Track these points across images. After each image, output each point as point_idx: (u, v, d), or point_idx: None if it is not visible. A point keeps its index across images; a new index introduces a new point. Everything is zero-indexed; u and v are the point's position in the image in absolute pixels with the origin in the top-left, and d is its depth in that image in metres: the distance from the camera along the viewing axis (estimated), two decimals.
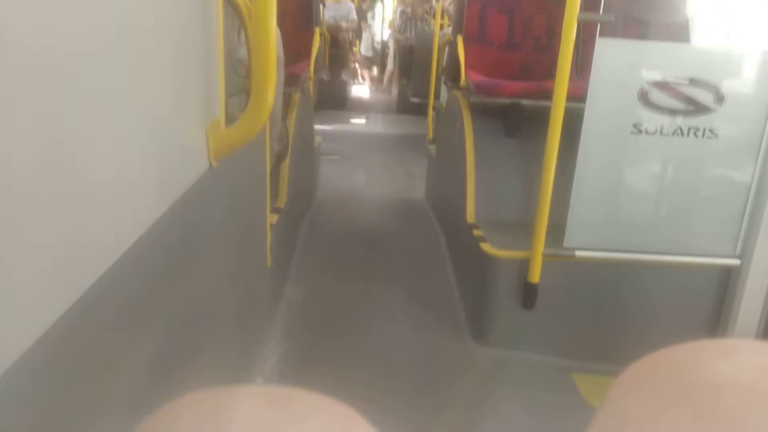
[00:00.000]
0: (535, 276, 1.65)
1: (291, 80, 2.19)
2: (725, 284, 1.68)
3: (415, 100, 5.59)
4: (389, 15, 10.51)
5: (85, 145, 0.48)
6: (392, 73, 7.34)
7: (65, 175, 0.44)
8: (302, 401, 0.23)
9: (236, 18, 1.18)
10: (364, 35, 8.87)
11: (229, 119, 1.00)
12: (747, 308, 1.64)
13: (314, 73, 2.58)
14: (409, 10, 6.68)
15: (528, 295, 1.68)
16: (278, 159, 1.99)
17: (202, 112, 0.87)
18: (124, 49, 0.56)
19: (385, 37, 9.78)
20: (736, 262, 1.64)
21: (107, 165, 0.53)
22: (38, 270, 0.41)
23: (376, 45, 9.29)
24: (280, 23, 0.92)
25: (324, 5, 3.26)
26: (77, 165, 0.46)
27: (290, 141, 2.10)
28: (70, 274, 0.46)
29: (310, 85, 2.63)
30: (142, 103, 0.62)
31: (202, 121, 0.86)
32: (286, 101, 2.20)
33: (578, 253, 1.62)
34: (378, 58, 9.44)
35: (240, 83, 1.22)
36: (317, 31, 2.57)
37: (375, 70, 9.42)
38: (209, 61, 0.91)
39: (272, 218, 1.69)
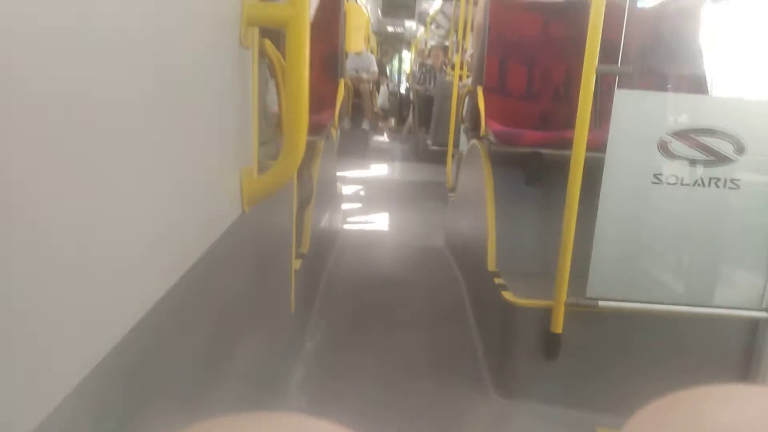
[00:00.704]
0: (558, 326, 1.63)
1: (317, 129, 2.26)
2: (752, 336, 1.64)
3: (434, 148, 5.68)
4: (407, 68, 10.78)
5: (126, 188, 0.50)
6: (411, 125, 7.50)
7: (103, 219, 0.46)
8: (316, 429, 0.24)
9: (268, 70, 1.24)
10: (382, 89, 9.12)
11: (260, 167, 1.04)
12: None
13: (338, 122, 2.65)
14: (429, 62, 6.89)
15: (550, 345, 1.66)
16: (303, 205, 2.03)
17: (237, 159, 0.91)
18: (166, 96, 0.59)
19: (403, 90, 10.04)
20: (764, 315, 1.60)
21: (149, 208, 0.55)
22: (74, 318, 0.42)
23: (390, 97, 9.53)
24: (308, 74, 0.97)
25: (347, 57, 3.38)
26: (121, 207, 0.49)
27: (314, 188, 2.14)
28: (107, 321, 0.47)
29: (335, 134, 2.70)
30: (182, 150, 0.65)
31: (236, 168, 0.90)
32: (310, 149, 2.26)
33: (601, 303, 1.60)
34: (396, 108, 9.66)
35: (270, 133, 1.27)
36: (342, 81, 2.66)
37: (392, 122, 9.62)
38: (244, 111, 0.95)
39: (296, 263, 1.71)
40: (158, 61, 0.57)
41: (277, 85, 1.24)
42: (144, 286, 0.54)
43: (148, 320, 0.53)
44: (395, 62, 14.52)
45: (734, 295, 1.63)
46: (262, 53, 1.11)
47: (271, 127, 1.29)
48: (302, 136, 0.96)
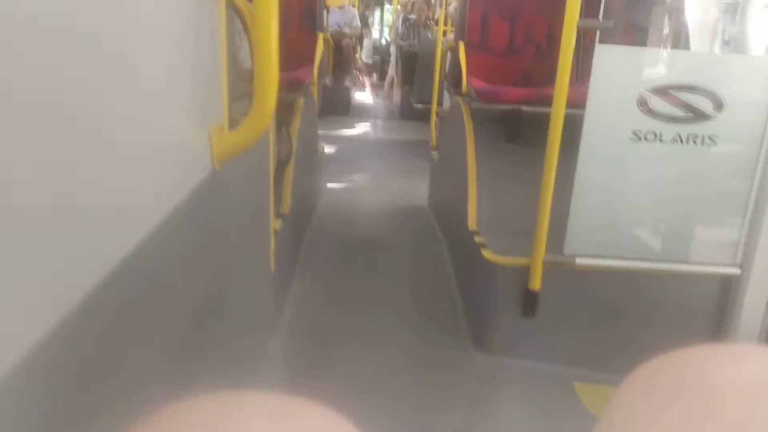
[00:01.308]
0: (536, 283, 1.66)
1: (294, 85, 2.21)
2: (726, 293, 1.68)
3: (418, 106, 5.62)
4: (389, 21, 10.54)
5: (87, 147, 0.49)
6: (393, 79, 7.38)
7: (67, 177, 0.45)
8: (295, 408, 0.23)
9: (239, 22, 1.20)
10: (365, 42, 8.93)
11: (233, 123, 1.01)
12: (748, 317, 1.64)
13: (318, 79, 2.59)
14: (412, 16, 6.72)
15: (528, 302, 1.69)
16: (282, 164, 2.00)
17: (205, 116, 0.88)
18: (127, 52, 0.57)
19: (385, 44, 9.83)
20: (737, 270, 1.64)
21: (110, 167, 0.54)
22: (39, 272, 0.41)
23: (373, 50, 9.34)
24: (284, 28, 0.93)
25: (328, 11, 3.28)
26: (80, 167, 0.47)
27: (294, 146, 2.12)
28: (71, 277, 0.46)
29: (314, 91, 2.65)
30: (145, 106, 0.63)
31: (205, 125, 0.88)
32: (289, 106, 2.22)
33: (578, 261, 1.62)
34: (378, 64, 9.49)
35: (243, 88, 1.24)
36: (321, 36, 2.59)
37: (375, 77, 9.46)
38: (213, 65, 0.92)
39: (276, 223, 1.70)
40: (118, 13, 0.54)
41: (249, 39, 1.20)
42: (108, 244, 0.53)
43: (113, 280, 0.52)
44: (377, 14, 14.14)
45: (709, 252, 1.66)
46: (231, 4, 1.07)
47: (244, 83, 1.25)
48: (273, 88, 0.93)
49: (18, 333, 0.39)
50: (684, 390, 0.23)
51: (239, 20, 1.19)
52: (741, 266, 1.63)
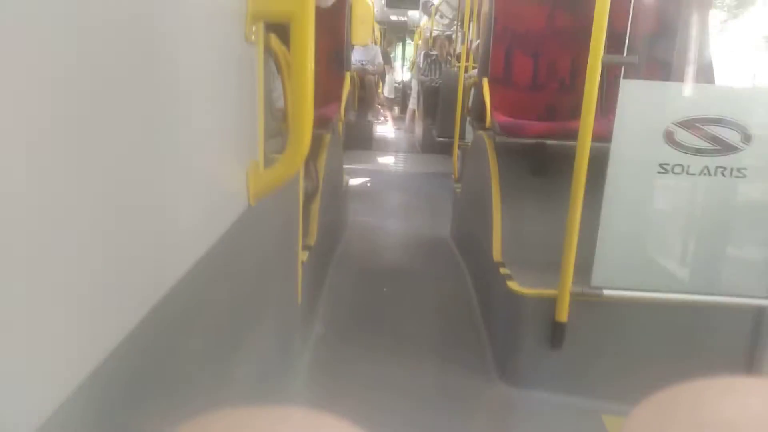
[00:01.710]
0: (563, 315, 1.64)
1: (323, 122, 2.26)
2: (758, 324, 1.64)
3: (440, 139, 5.67)
4: (410, 56, 10.72)
5: (135, 184, 0.51)
6: (414, 113, 7.48)
7: (117, 212, 0.47)
8: (320, 424, 0.24)
9: (274, 65, 1.25)
10: (387, 78, 9.10)
11: (267, 161, 1.05)
12: None
13: (344, 115, 2.65)
14: (434, 52, 6.85)
15: (556, 334, 1.67)
16: (309, 198, 2.04)
17: (243, 154, 0.92)
18: (172, 94, 0.60)
19: (406, 79, 10.01)
20: None
21: (155, 204, 0.56)
22: (89, 305, 0.43)
23: (396, 86, 9.51)
24: (314, 68, 0.97)
25: (352, 50, 3.37)
26: (128, 202, 0.49)
27: (321, 180, 2.16)
28: (115, 315, 0.48)
29: (340, 127, 2.71)
30: (188, 146, 0.66)
31: (243, 162, 0.91)
32: (316, 142, 2.27)
33: (606, 293, 1.61)
34: (399, 98, 9.65)
35: (276, 127, 1.28)
36: (347, 75, 2.66)
37: (396, 111, 9.61)
38: (250, 106, 0.96)
39: (303, 255, 1.72)
40: (165, 57, 0.57)
41: (282, 80, 1.25)
42: (151, 281, 0.55)
43: (154, 315, 0.54)
44: (398, 50, 14.43)
45: (739, 284, 1.63)
46: (268, 48, 1.12)
47: (278, 122, 1.30)
48: (307, 129, 0.97)
49: (72, 361, 0.40)
50: (687, 423, 0.23)
51: (273, 62, 1.24)
52: None
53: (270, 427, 0.23)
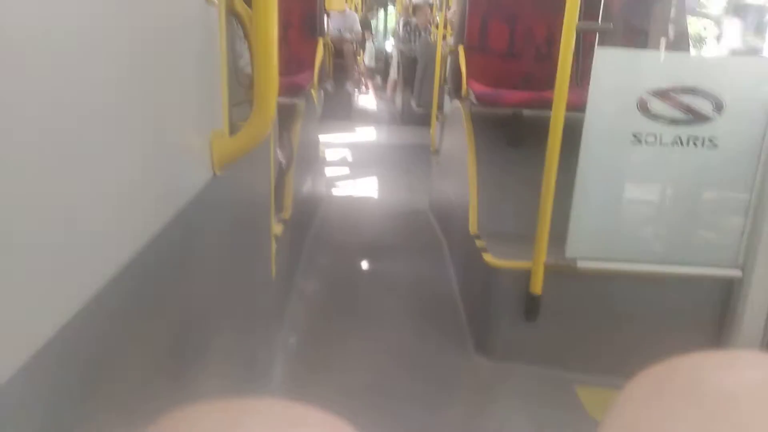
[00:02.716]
0: (537, 287, 1.65)
1: (295, 90, 2.22)
2: (728, 295, 1.68)
3: (419, 110, 5.63)
4: (392, 26, 10.58)
5: (88, 152, 0.49)
6: (395, 83, 7.40)
7: (66, 181, 0.45)
8: (297, 414, 0.24)
9: (239, 28, 1.20)
10: (368, 45, 8.96)
11: (234, 129, 1.02)
12: (750, 319, 1.64)
13: (319, 84, 2.60)
14: (413, 20, 6.74)
15: (530, 306, 1.69)
16: (283, 169, 2.01)
17: (206, 121, 0.88)
18: (128, 58, 0.57)
19: (388, 48, 9.88)
20: (738, 272, 1.63)
21: (111, 172, 0.54)
22: (38, 278, 0.41)
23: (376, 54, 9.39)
24: (284, 33, 0.94)
25: (329, 16, 3.30)
26: (79, 170, 0.47)
27: (295, 151, 2.12)
28: (71, 283, 0.46)
29: (314, 95, 2.66)
30: (146, 112, 0.63)
31: (206, 130, 0.88)
32: (290, 111, 2.23)
33: (580, 264, 1.62)
34: (381, 67, 9.53)
35: (244, 93, 1.24)
36: (321, 41, 2.60)
37: (378, 80, 9.50)
38: (213, 71, 0.92)
39: (277, 229, 1.70)
40: (118, 20, 0.54)
41: (249, 45, 1.21)
42: (109, 250, 0.53)
43: (115, 284, 0.52)
44: (380, 18, 14.20)
45: (711, 254, 1.66)
46: (232, 11, 1.07)
47: (245, 88, 1.26)
48: (272, 94, 0.94)
49: (20, 336, 0.39)
50: (686, 396, 0.23)
51: (240, 26, 1.20)
52: (743, 268, 1.63)
53: (249, 420, 0.23)
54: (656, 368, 0.25)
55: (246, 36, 1.23)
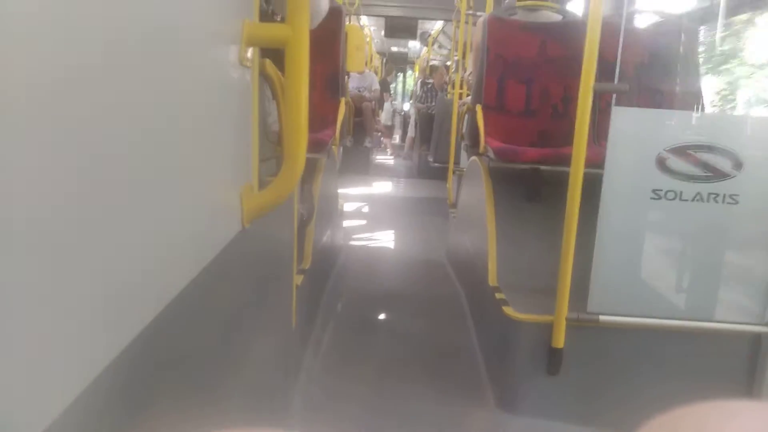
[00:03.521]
0: (560, 341, 1.63)
1: (318, 146, 2.28)
2: (755, 351, 1.64)
3: (435, 164, 5.72)
4: (409, 87, 10.88)
5: (128, 204, 0.51)
6: (413, 139, 7.56)
7: (103, 233, 0.46)
8: None
9: (270, 90, 1.26)
10: (386, 105, 9.22)
11: (261, 184, 1.05)
12: None
13: (339, 140, 2.67)
14: (430, 81, 6.96)
15: (552, 360, 1.66)
16: (304, 221, 2.04)
17: (236, 176, 0.92)
18: (167, 116, 0.60)
19: (406, 107, 10.15)
20: (765, 329, 1.60)
21: (146, 225, 0.56)
22: (75, 329, 0.42)
23: (398, 113, 9.63)
24: (309, 93, 0.99)
25: (349, 76, 3.43)
26: (118, 222, 0.49)
27: (315, 204, 2.16)
28: (104, 335, 0.47)
29: (335, 151, 2.73)
30: (183, 168, 0.66)
31: (237, 185, 0.91)
32: (312, 166, 2.29)
33: (602, 318, 1.60)
34: (399, 126, 9.76)
35: (271, 150, 1.29)
36: (342, 100, 2.69)
37: (397, 138, 9.70)
38: (244, 129, 0.97)
39: (298, 279, 1.72)
40: (160, 80, 0.58)
41: (277, 104, 1.26)
42: (142, 302, 0.55)
43: (144, 338, 0.53)
44: (399, 81, 14.67)
45: (736, 310, 1.63)
46: (263, 73, 1.13)
47: (273, 145, 1.30)
48: (301, 152, 0.97)
49: (53, 387, 0.40)
50: None
51: (269, 87, 1.25)
52: None
53: None
54: (661, 419, 0.25)
55: (274, 96, 1.28)
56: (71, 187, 0.41)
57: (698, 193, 1.55)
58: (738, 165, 1.53)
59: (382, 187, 6.07)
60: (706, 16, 2.90)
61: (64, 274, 0.41)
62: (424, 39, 8.82)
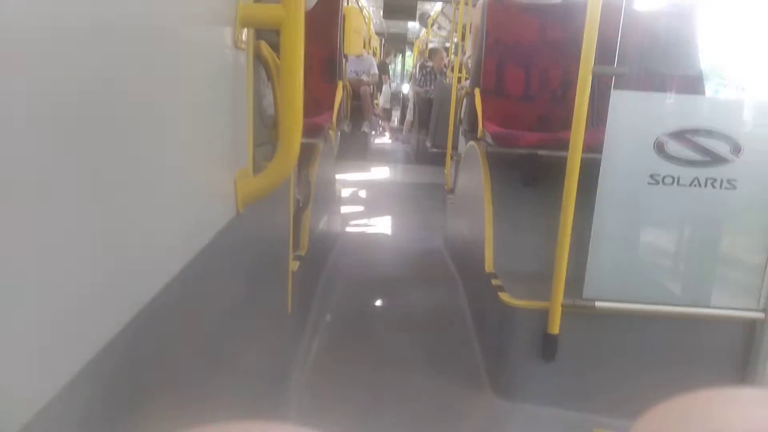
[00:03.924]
0: (555, 327, 1.64)
1: (314, 131, 2.27)
2: (750, 337, 1.64)
3: (433, 150, 5.70)
4: (408, 69, 10.81)
5: (119, 190, 0.50)
6: (411, 123, 7.52)
7: (98, 217, 0.46)
8: None
9: (264, 73, 1.25)
10: (384, 88, 9.16)
11: (257, 168, 1.04)
12: None
13: (336, 125, 2.66)
14: (429, 64, 6.90)
15: (547, 346, 1.66)
16: (301, 207, 2.03)
17: (231, 160, 0.91)
18: (160, 99, 0.60)
19: (405, 90, 10.09)
20: (760, 315, 1.60)
21: (140, 209, 0.55)
22: (67, 312, 0.42)
23: (393, 96, 9.58)
24: (305, 77, 0.98)
25: (347, 60, 3.40)
26: (111, 208, 0.49)
27: (312, 189, 2.15)
28: (100, 318, 0.47)
29: (332, 136, 2.72)
30: (175, 151, 0.66)
31: (231, 169, 0.91)
32: (308, 151, 2.27)
33: (598, 304, 1.61)
34: (398, 109, 9.71)
35: (267, 134, 1.28)
36: (340, 84, 2.67)
37: (395, 121, 9.66)
38: (239, 113, 0.95)
39: (293, 265, 1.71)
40: (152, 62, 0.57)
41: (273, 87, 1.25)
42: (136, 285, 0.55)
43: (139, 320, 0.53)
44: (398, 62, 14.57)
45: (731, 296, 1.63)
46: (258, 55, 1.12)
47: (268, 129, 1.29)
48: (297, 137, 0.96)
49: (49, 370, 0.40)
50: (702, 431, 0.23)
51: (264, 70, 1.24)
52: (765, 310, 1.60)
53: None
54: (665, 406, 0.25)
55: (269, 79, 1.27)
56: (66, 173, 0.41)
57: (696, 178, 1.55)
58: (737, 150, 1.52)
59: (380, 172, 6.06)
60: None
61: (58, 260, 0.41)
62: (424, 20, 8.74)
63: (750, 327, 1.64)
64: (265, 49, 1.16)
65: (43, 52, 0.38)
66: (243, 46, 0.93)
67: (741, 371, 1.65)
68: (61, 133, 0.40)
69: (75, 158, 0.42)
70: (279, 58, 1.00)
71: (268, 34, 1.21)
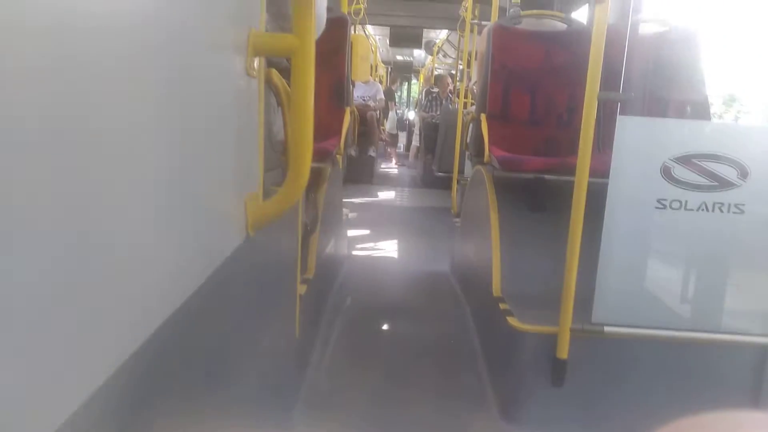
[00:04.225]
0: (564, 352, 1.62)
1: (322, 156, 2.29)
2: (762, 362, 1.62)
3: (439, 174, 5.72)
4: (414, 96, 10.92)
5: (135, 214, 0.51)
6: (417, 149, 7.57)
7: (112, 240, 0.47)
8: None
9: (274, 99, 1.27)
10: (390, 114, 9.26)
11: (266, 193, 1.06)
12: None
13: (344, 149, 2.68)
14: (435, 90, 6.98)
15: (556, 371, 1.64)
16: (308, 231, 2.04)
17: (241, 185, 0.92)
18: (174, 126, 0.61)
19: (410, 117, 10.19)
20: None
21: (153, 233, 0.56)
22: (84, 335, 0.43)
23: (399, 123, 9.67)
24: (315, 103, 0.99)
25: (354, 86, 3.45)
26: (126, 232, 0.49)
27: (320, 213, 2.16)
28: (111, 343, 0.48)
29: (340, 161, 2.74)
30: (190, 177, 0.67)
31: (241, 193, 0.92)
32: (316, 175, 2.29)
33: (607, 329, 1.59)
34: (404, 134, 9.79)
35: (277, 159, 1.29)
36: (347, 110, 2.70)
37: (402, 147, 9.72)
38: (250, 138, 0.97)
39: (301, 289, 1.71)
40: (167, 89, 0.59)
41: (283, 114, 1.27)
42: (148, 309, 0.55)
43: (151, 344, 0.53)
44: (404, 89, 14.76)
45: (742, 321, 1.61)
46: (269, 82, 1.14)
47: (278, 154, 1.31)
48: (306, 162, 0.98)
49: (57, 396, 0.40)
50: None
51: (274, 96, 1.26)
52: None
53: None
54: (674, 426, 0.25)
55: (279, 105, 1.29)
56: (80, 194, 0.42)
57: (704, 203, 1.55)
58: (744, 174, 1.53)
59: (386, 196, 6.07)
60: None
61: (74, 283, 0.41)
62: (429, 48, 8.86)
63: (762, 352, 1.62)
64: (275, 77, 1.19)
65: (57, 94, 0.39)
66: (254, 73, 0.95)
67: (753, 397, 1.63)
68: (74, 159, 0.41)
69: (88, 182, 0.43)
70: (289, 85, 1.02)
71: (278, 62, 1.24)
